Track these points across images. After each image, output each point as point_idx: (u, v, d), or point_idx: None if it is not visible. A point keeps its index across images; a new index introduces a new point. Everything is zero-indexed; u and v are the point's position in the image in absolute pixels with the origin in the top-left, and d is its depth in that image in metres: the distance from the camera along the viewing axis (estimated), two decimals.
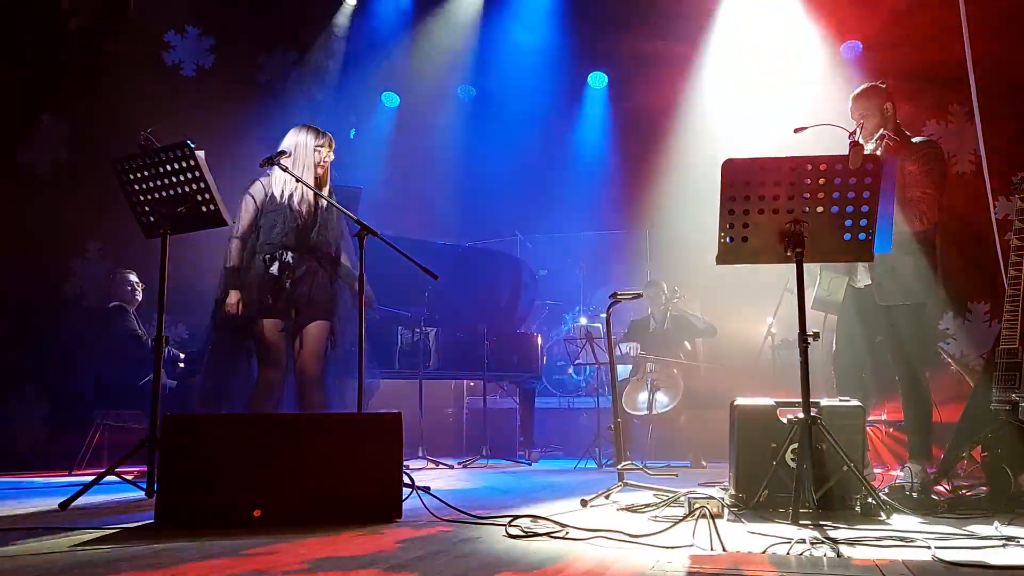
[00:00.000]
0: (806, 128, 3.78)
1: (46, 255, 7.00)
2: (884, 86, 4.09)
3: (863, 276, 4.09)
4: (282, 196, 4.19)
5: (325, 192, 4.26)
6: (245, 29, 7.90)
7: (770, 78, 7.76)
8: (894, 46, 7.09)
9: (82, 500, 3.32)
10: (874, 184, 3.03)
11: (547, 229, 9.51)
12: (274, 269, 4.11)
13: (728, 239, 3.17)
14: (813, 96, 7.15)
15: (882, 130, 3.96)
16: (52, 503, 3.32)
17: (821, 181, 3.05)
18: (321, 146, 4.24)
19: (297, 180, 4.16)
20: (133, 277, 6.14)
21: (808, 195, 3.06)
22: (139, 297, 6.15)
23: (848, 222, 3.08)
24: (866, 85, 4.13)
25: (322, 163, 4.24)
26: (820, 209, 3.07)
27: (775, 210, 3.09)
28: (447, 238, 8.12)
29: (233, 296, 4.15)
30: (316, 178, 4.22)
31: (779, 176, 3.06)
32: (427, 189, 8.91)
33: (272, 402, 4.16)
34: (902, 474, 3.96)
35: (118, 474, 3.53)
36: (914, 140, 4.04)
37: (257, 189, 4.26)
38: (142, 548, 2.30)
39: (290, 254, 4.14)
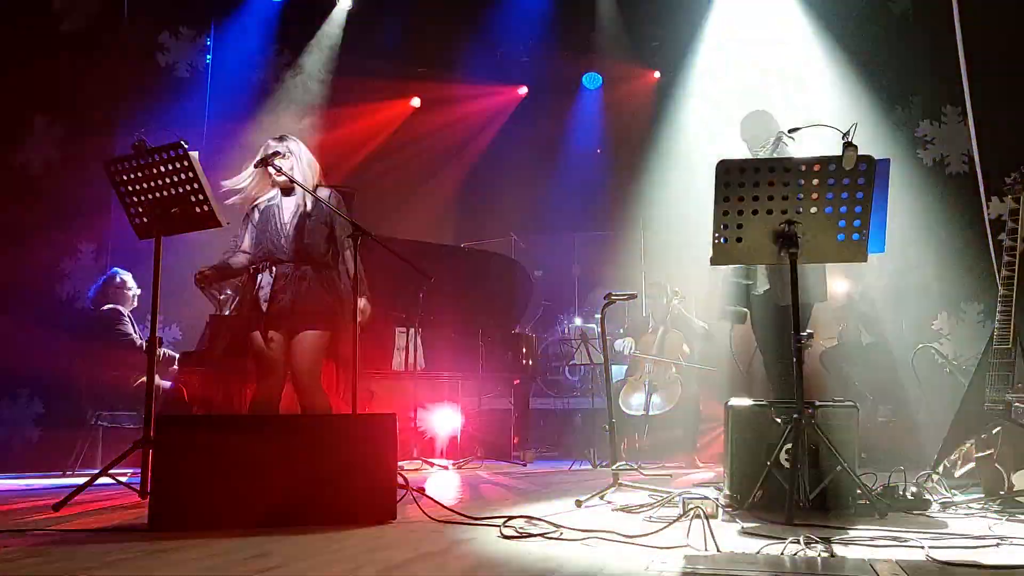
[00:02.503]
0: (800, 129, 3.79)
1: (39, 256, 6.98)
2: (769, 113, 4.33)
3: (762, 282, 4.12)
4: (264, 207, 4.17)
5: (300, 197, 4.19)
6: (240, 30, 7.89)
7: (765, 78, 7.77)
8: (888, 48, 7.12)
9: (76, 502, 3.31)
10: (868, 185, 3.05)
11: (542, 229, 9.51)
12: (259, 281, 4.10)
13: (722, 240, 3.18)
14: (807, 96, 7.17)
15: (779, 132, 4.06)
16: (46, 504, 3.31)
17: (815, 182, 3.06)
18: (288, 151, 4.19)
19: (292, 181, 4.15)
20: (129, 279, 6.13)
21: (802, 196, 3.08)
22: (135, 299, 6.14)
23: (842, 223, 3.09)
24: (755, 110, 4.38)
25: (275, 178, 4.18)
26: (814, 210, 3.08)
27: (769, 210, 3.10)
28: (442, 239, 8.12)
29: (207, 268, 4.13)
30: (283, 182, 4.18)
31: (773, 176, 3.08)
32: (423, 190, 8.90)
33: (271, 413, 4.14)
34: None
35: (112, 476, 3.52)
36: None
37: (253, 212, 4.24)
38: (136, 550, 2.30)
39: (274, 267, 4.11)
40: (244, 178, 4.18)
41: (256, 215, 4.21)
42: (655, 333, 6.77)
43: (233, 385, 5.43)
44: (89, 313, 6.20)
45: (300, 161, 4.19)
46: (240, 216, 4.27)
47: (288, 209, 4.20)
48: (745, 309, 4.15)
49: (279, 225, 4.14)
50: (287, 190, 4.22)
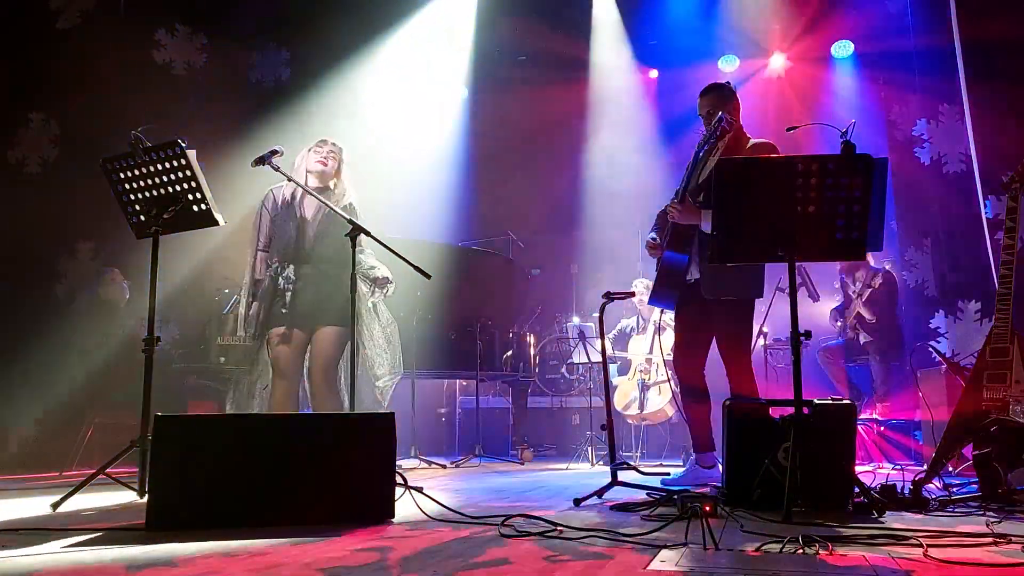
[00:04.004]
0: (798, 128, 3.79)
1: (36, 255, 6.97)
2: (731, 86, 4.28)
3: (693, 270, 4.12)
4: (291, 202, 4.22)
5: (330, 198, 4.21)
6: (237, 27, 7.87)
7: (762, 78, 7.79)
8: (885, 47, 7.13)
9: (73, 501, 3.30)
10: (865, 183, 3.05)
11: (539, 229, 9.50)
12: (280, 281, 4.13)
13: (721, 239, 3.18)
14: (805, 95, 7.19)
15: (720, 113, 4.04)
16: (43, 504, 3.31)
17: (813, 180, 3.06)
18: (312, 149, 4.23)
19: (288, 179, 4.16)
20: (118, 275, 6.14)
21: (800, 194, 3.07)
22: (127, 295, 6.15)
23: (840, 221, 3.09)
24: (715, 83, 4.33)
25: (313, 168, 4.22)
26: (812, 208, 3.08)
27: (767, 209, 3.10)
28: (439, 238, 8.11)
29: (253, 307, 4.19)
30: (314, 181, 4.22)
31: (771, 175, 3.08)
32: (419, 189, 8.89)
33: (289, 411, 4.15)
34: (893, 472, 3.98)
35: (109, 475, 3.51)
36: (752, 142, 4.10)
37: (268, 197, 4.28)
38: (133, 550, 2.29)
39: (292, 266, 4.14)
40: (280, 190, 4.27)
41: (270, 203, 4.24)
42: (645, 332, 6.80)
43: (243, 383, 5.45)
44: (85, 312, 6.21)
45: (340, 163, 4.27)
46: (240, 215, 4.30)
47: (310, 208, 4.24)
48: (673, 295, 4.14)
49: (301, 223, 4.18)
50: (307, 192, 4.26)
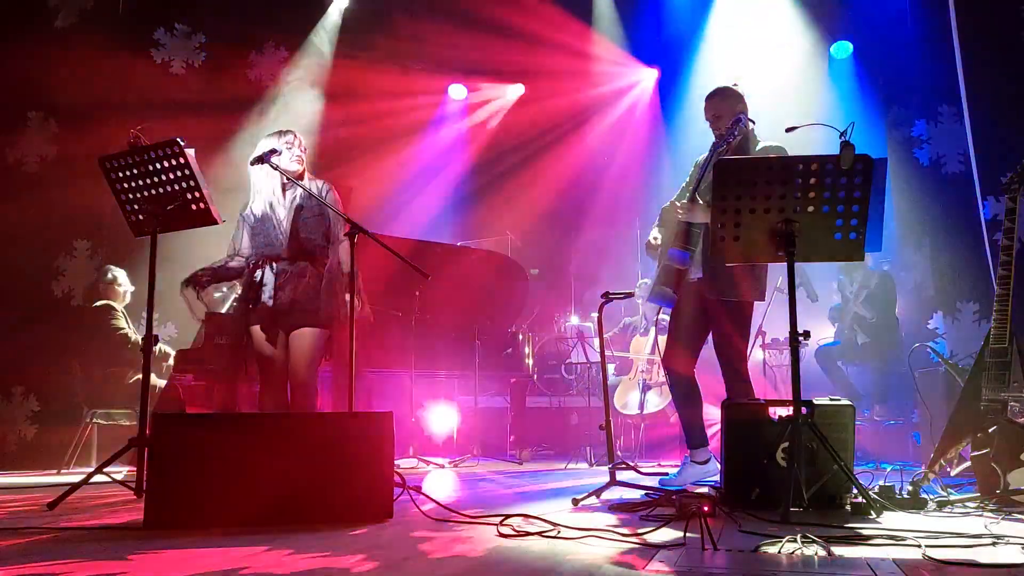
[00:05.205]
0: (797, 128, 3.78)
1: (35, 253, 6.97)
2: (739, 89, 4.20)
3: (696, 269, 4.11)
4: (264, 209, 4.14)
5: (310, 188, 4.15)
6: (235, 26, 7.87)
7: (761, 78, 7.78)
8: (885, 47, 7.13)
9: (71, 500, 3.30)
10: (865, 184, 3.05)
11: (539, 229, 9.50)
12: (258, 279, 4.07)
13: (720, 238, 3.18)
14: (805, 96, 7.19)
15: (740, 115, 4.01)
16: (41, 502, 3.30)
17: (812, 181, 3.06)
18: (290, 144, 4.17)
19: (288, 179, 4.13)
20: (121, 275, 6.12)
21: (799, 194, 3.08)
22: (127, 295, 6.13)
23: (839, 221, 3.09)
24: (721, 86, 4.26)
25: (292, 168, 4.17)
26: (811, 208, 3.08)
27: (767, 209, 3.10)
28: (438, 237, 8.11)
29: (201, 271, 4.10)
30: (294, 174, 4.17)
31: (771, 175, 3.08)
32: (418, 188, 8.89)
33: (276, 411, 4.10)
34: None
35: (107, 474, 3.51)
36: (762, 144, 4.09)
37: (248, 214, 4.21)
38: (130, 549, 2.29)
39: (272, 264, 4.08)
40: (253, 195, 4.17)
41: (252, 215, 4.19)
42: (647, 333, 6.80)
43: (229, 383, 5.42)
44: (82, 310, 6.21)
45: (303, 153, 4.19)
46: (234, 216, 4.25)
47: (285, 205, 4.17)
48: (673, 293, 4.12)
49: (276, 221, 4.12)
50: (284, 185, 4.20)
